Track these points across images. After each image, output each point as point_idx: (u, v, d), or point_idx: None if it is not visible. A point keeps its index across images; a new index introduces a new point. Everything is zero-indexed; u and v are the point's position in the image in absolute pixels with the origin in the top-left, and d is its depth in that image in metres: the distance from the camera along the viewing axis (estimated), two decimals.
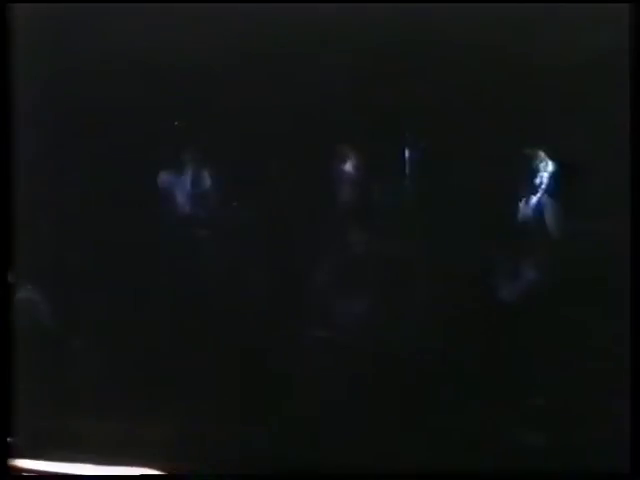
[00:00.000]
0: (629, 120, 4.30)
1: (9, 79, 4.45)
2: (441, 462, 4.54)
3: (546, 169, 5.32)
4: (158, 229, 5.63)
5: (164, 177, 5.78)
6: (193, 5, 5.20)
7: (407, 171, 5.52)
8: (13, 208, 4.52)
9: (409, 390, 4.95)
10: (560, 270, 5.09)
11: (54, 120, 5.48)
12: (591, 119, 5.02)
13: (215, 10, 5.18)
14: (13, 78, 4.48)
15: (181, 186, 5.81)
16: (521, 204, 5.34)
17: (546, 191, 5.31)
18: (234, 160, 5.61)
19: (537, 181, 5.32)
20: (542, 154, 5.28)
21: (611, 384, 4.51)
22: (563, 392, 4.79)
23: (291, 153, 5.54)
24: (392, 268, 5.37)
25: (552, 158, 5.27)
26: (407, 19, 5.08)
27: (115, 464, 4.62)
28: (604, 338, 4.82)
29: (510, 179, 5.27)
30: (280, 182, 5.62)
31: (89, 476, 4.65)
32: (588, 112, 4.99)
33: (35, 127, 5.28)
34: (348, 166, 5.59)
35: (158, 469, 4.61)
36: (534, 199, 5.34)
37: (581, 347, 4.85)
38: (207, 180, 5.78)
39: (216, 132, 5.56)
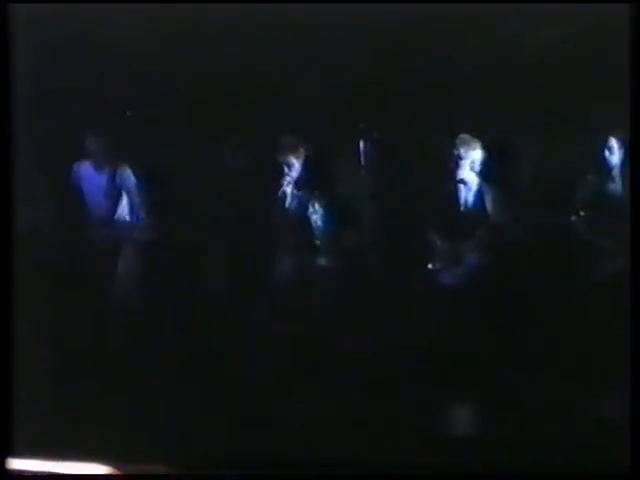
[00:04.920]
0: (629, 119, 4.32)
1: (9, 79, 4.45)
2: (435, 460, 4.56)
3: (485, 155, 5.35)
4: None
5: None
6: (193, 5, 5.22)
7: (358, 160, 5.56)
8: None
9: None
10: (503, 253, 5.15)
11: (54, 119, 5.50)
12: (589, 118, 5.07)
13: (215, 8, 5.20)
14: (13, 78, 4.48)
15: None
16: (463, 189, 5.39)
17: (486, 176, 5.35)
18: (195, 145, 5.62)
19: (476, 166, 5.36)
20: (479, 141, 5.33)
21: (610, 382, 4.54)
22: (562, 391, 4.81)
23: (250, 146, 5.58)
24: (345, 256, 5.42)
25: (491, 144, 5.31)
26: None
27: (114, 463, 4.64)
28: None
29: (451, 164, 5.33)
30: (239, 174, 5.65)
31: (89, 476, 4.66)
32: (586, 112, 5.02)
33: (35, 126, 5.30)
34: (302, 157, 5.60)
35: (158, 469, 4.63)
36: (475, 184, 5.38)
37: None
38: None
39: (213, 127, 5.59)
